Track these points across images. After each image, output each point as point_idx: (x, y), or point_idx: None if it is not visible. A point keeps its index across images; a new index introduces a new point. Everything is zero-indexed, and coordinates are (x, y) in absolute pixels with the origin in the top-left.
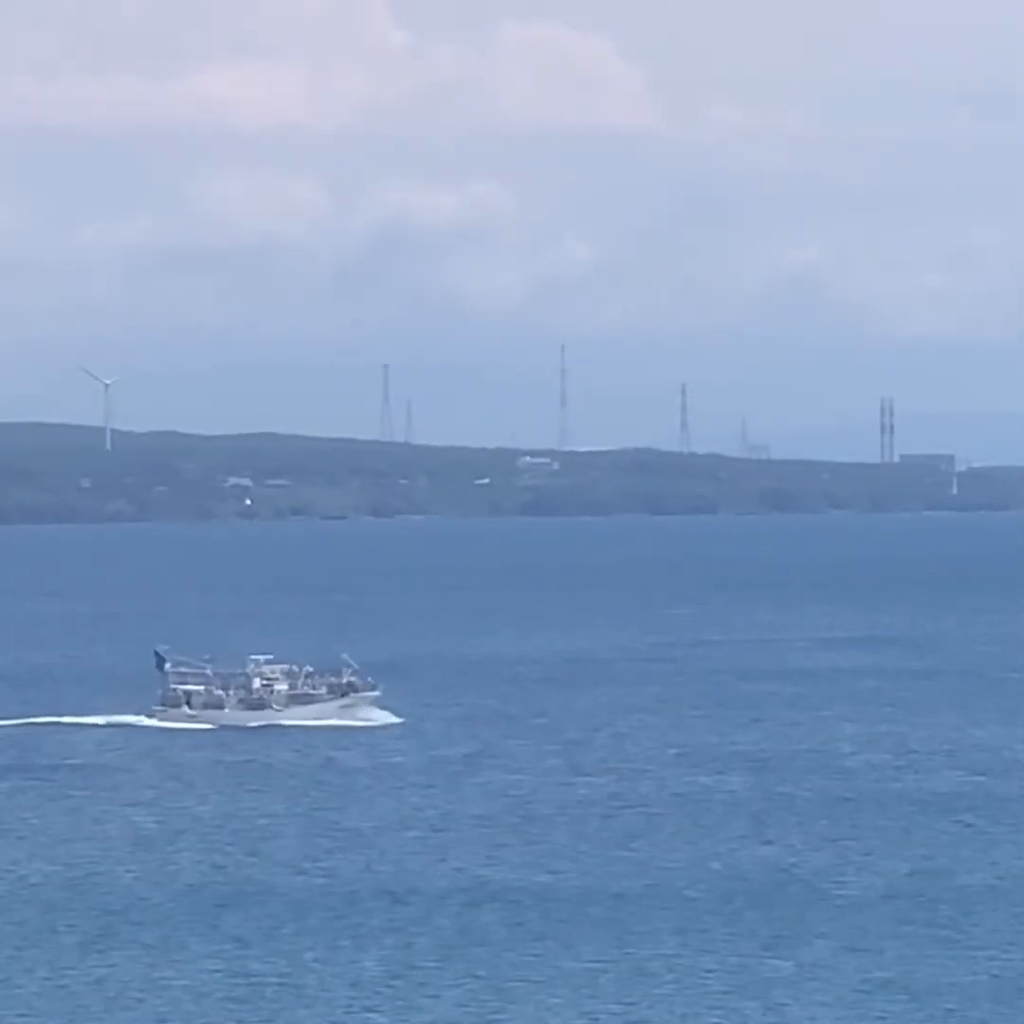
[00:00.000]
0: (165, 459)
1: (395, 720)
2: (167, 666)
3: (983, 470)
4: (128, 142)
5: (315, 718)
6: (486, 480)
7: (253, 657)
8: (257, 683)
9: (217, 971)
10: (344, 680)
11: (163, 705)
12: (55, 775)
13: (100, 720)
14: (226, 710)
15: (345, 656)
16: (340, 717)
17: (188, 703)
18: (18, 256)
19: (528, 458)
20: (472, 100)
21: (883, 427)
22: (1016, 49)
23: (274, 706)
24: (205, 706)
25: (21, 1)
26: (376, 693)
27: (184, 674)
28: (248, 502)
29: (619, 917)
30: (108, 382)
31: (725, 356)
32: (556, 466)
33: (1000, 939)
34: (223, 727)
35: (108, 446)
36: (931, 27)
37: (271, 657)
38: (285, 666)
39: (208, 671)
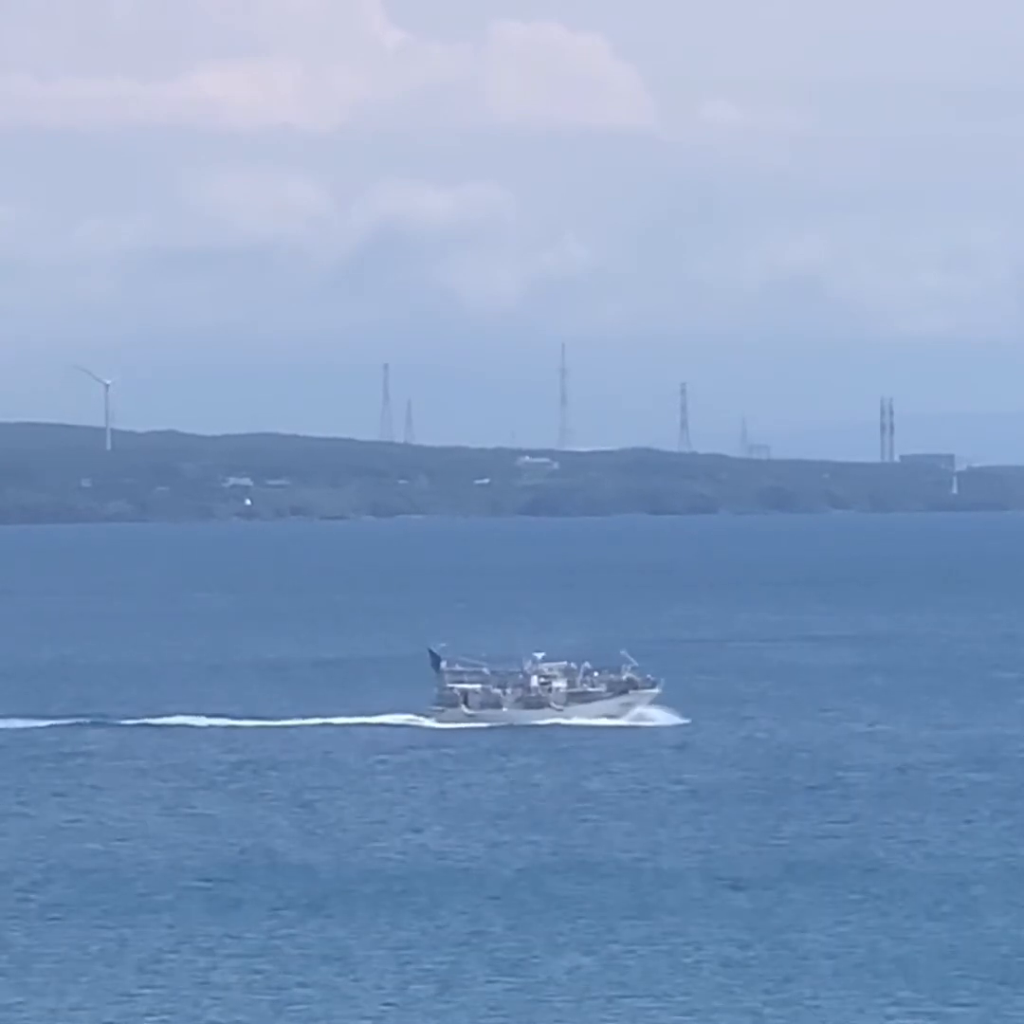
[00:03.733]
0: (165, 459)
1: (679, 720)
2: (443, 665)
3: (983, 470)
4: (125, 142)
5: (595, 717)
6: (486, 480)
7: (531, 655)
8: (535, 681)
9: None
10: (624, 677)
11: (440, 705)
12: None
13: (376, 720)
14: (504, 709)
15: (624, 653)
16: (620, 716)
17: (465, 702)
18: (17, 256)
19: (528, 458)
20: (468, 100)
21: (883, 427)
22: (1015, 49)
23: (553, 705)
24: (482, 705)
25: (18, 1)
26: (657, 690)
27: (460, 673)
28: (248, 502)
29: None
30: (108, 382)
31: (725, 356)
32: (556, 466)
33: None
34: (502, 727)
35: (108, 446)
36: (929, 27)
37: (547, 655)
38: (563, 664)
39: (485, 670)
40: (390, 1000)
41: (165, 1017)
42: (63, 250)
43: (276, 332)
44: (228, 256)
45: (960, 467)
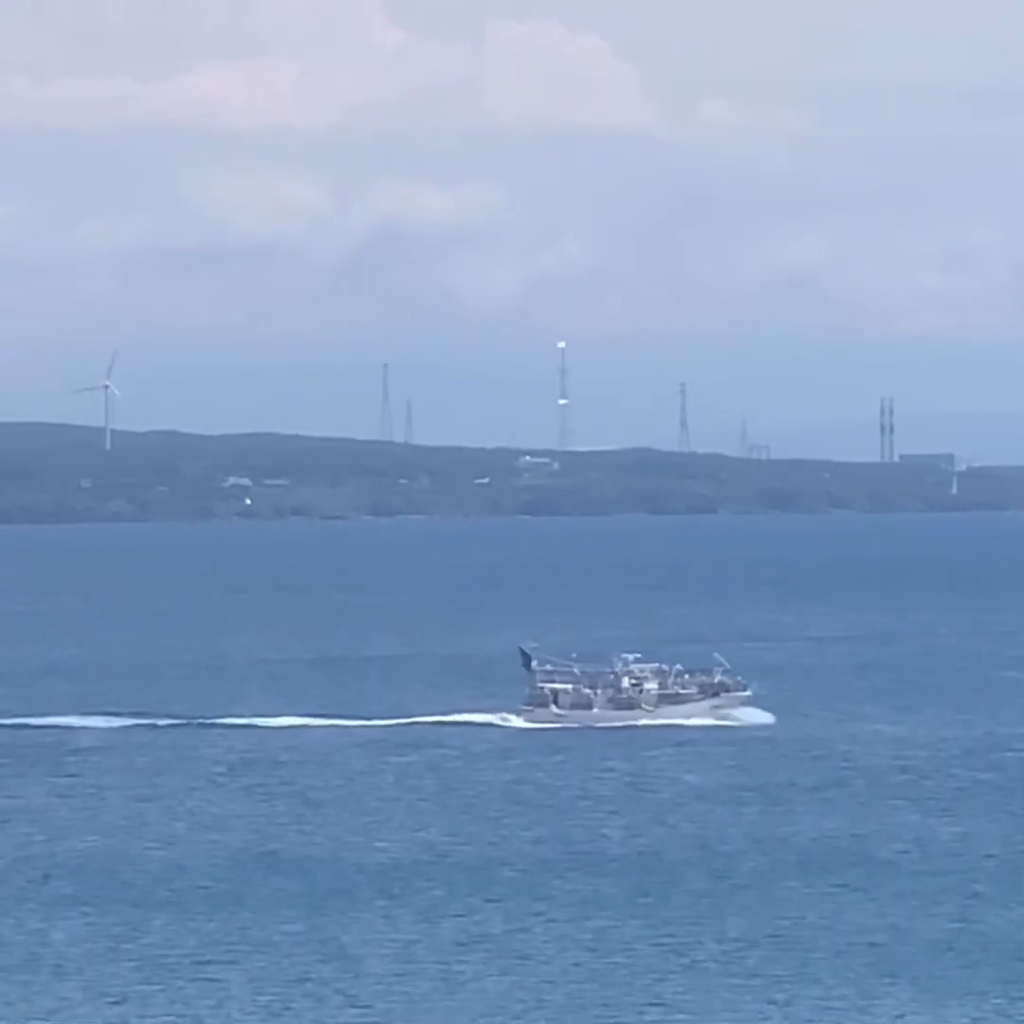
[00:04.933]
0: (165, 459)
1: (769, 720)
2: (534, 664)
3: (983, 470)
4: (125, 142)
5: (686, 718)
6: (486, 480)
7: (621, 656)
8: (626, 682)
9: None
10: (715, 679)
11: (530, 704)
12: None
13: (466, 719)
14: (595, 710)
15: (716, 655)
16: (711, 717)
17: (556, 702)
18: (17, 256)
19: (528, 458)
20: (467, 100)
21: (883, 427)
22: (1015, 49)
23: (644, 706)
24: (573, 706)
25: (15, 2)
26: (748, 692)
27: (551, 673)
28: (248, 502)
29: None
30: (108, 383)
31: (725, 356)
32: (556, 466)
33: None
34: (592, 727)
35: (108, 446)
36: (928, 27)
37: (639, 656)
38: (655, 665)
39: (575, 670)
40: (392, 997)
41: (165, 1015)
42: (63, 250)
43: (276, 332)
44: (228, 256)
45: (960, 467)
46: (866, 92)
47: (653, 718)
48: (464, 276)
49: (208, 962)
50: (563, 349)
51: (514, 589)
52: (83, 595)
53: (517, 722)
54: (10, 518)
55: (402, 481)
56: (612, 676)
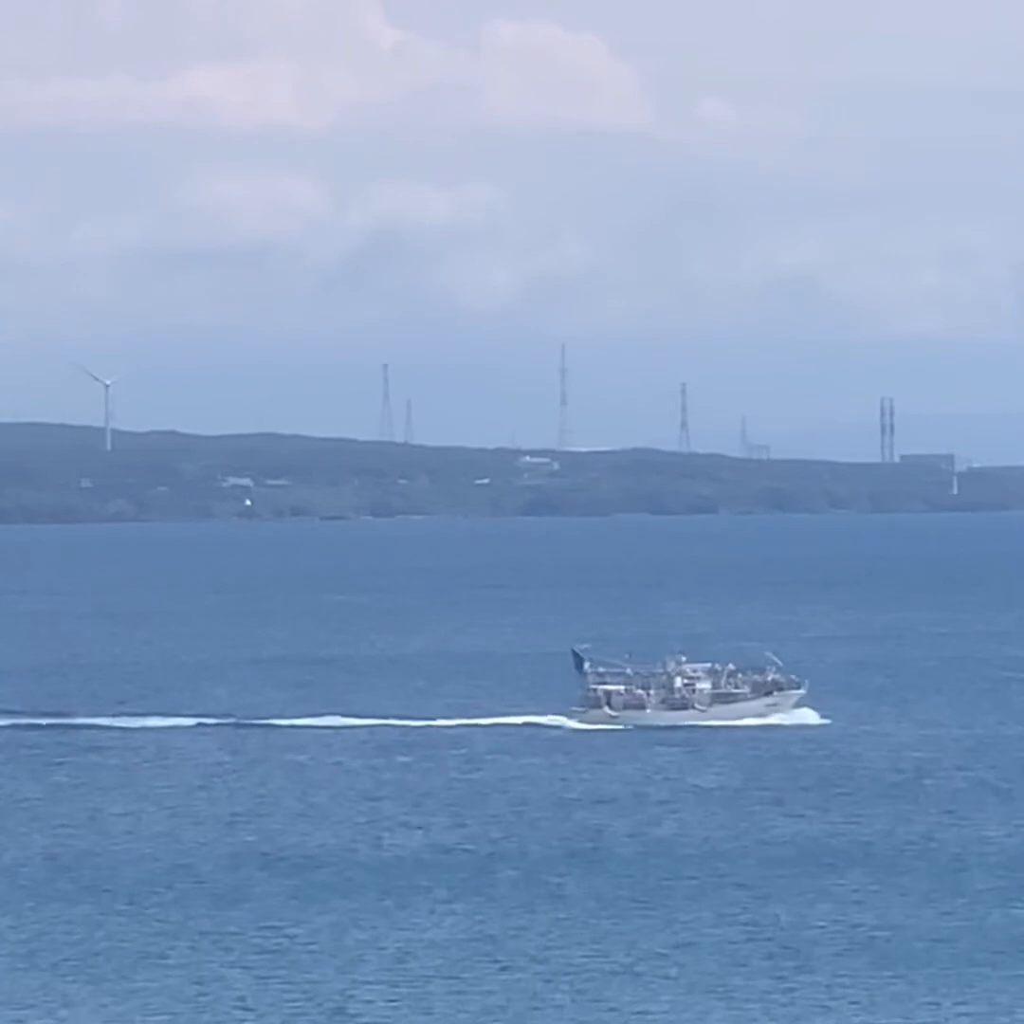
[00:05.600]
0: (165, 459)
1: (823, 720)
2: (586, 666)
3: (983, 470)
4: (122, 143)
5: (739, 718)
6: (486, 480)
7: (673, 655)
8: (679, 682)
9: None
10: (769, 678)
11: (582, 705)
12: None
13: (518, 720)
14: (647, 710)
15: (769, 654)
16: (765, 716)
17: (608, 703)
18: (15, 257)
19: (528, 458)
20: (465, 100)
21: (883, 427)
22: (1015, 49)
23: (697, 706)
24: (626, 706)
25: (11, 3)
26: (802, 691)
27: (603, 674)
28: (248, 502)
29: None
30: (108, 382)
31: (724, 356)
32: (556, 466)
33: None
34: (644, 728)
35: (108, 446)
36: (928, 27)
37: (689, 656)
38: (707, 665)
39: (628, 671)
40: (395, 995)
41: (165, 1014)
42: (61, 251)
43: (276, 332)
44: (226, 256)
45: (960, 467)
46: (865, 92)
47: (706, 718)
48: (463, 276)
49: (209, 961)
50: (563, 349)
51: (517, 590)
52: (83, 595)
53: (570, 724)
54: (10, 518)
55: (402, 481)
56: (664, 676)
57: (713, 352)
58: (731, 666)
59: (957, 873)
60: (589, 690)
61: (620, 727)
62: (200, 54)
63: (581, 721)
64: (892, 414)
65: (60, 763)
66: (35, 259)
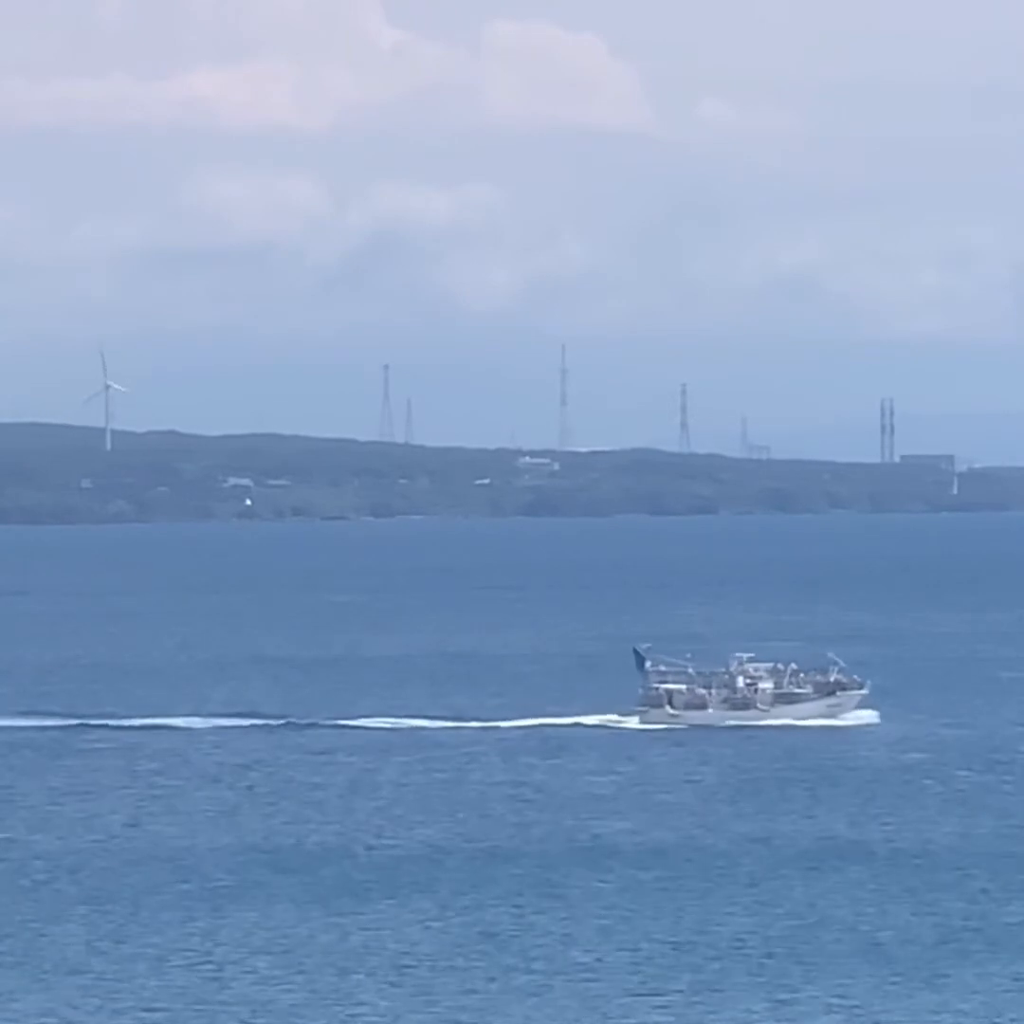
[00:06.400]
0: (165, 459)
1: (883, 721)
2: (647, 665)
3: (983, 470)
4: (123, 143)
5: (801, 718)
6: (486, 480)
7: (735, 655)
8: (741, 682)
9: None
10: (831, 678)
11: (644, 705)
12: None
13: (581, 720)
14: (709, 710)
15: (831, 654)
16: (827, 717)
17: (670, 703)
18: (16, 257)
19: (528, 458)
20: (465, 100)
21: (883, 427)
22: (1015, 49)
23: (759, 706)
24: (687, 706)
25: (10, 3)
26: (864, 691)
27: (665, 673)
28: (248, 502)
29: None
30: (108, 383)
31: (725, 356)
32: (556, 466)
33: None
34: (706, 727)
35: (108, 446)
36: (928, 27)
37: (754, 655)
38: (769, 664)
39: (690, 670)
40: (398, 993)
41: (166, 1012)
42: (61, 251)
43: (276, 332)
44: (227, 256)
45: (960, 467)
46: (865, 92)
47: (768, 718)
48: (463, 276)
49: (210, 961)
50: (563, 349)
51: (518, 590)
52: (83, 596)
53: (631, 723)
54: (10, 518)
55: (402, 481)
56: (726, 676)
57: (713, 352)
58: (793, 666)
59: (958, 873)
60: (651, 689)
61: (681, 726)
62: (200, 54)
63: (643, 721)
64: (892, 414)
65: (60, 763)
66: (35, 259)
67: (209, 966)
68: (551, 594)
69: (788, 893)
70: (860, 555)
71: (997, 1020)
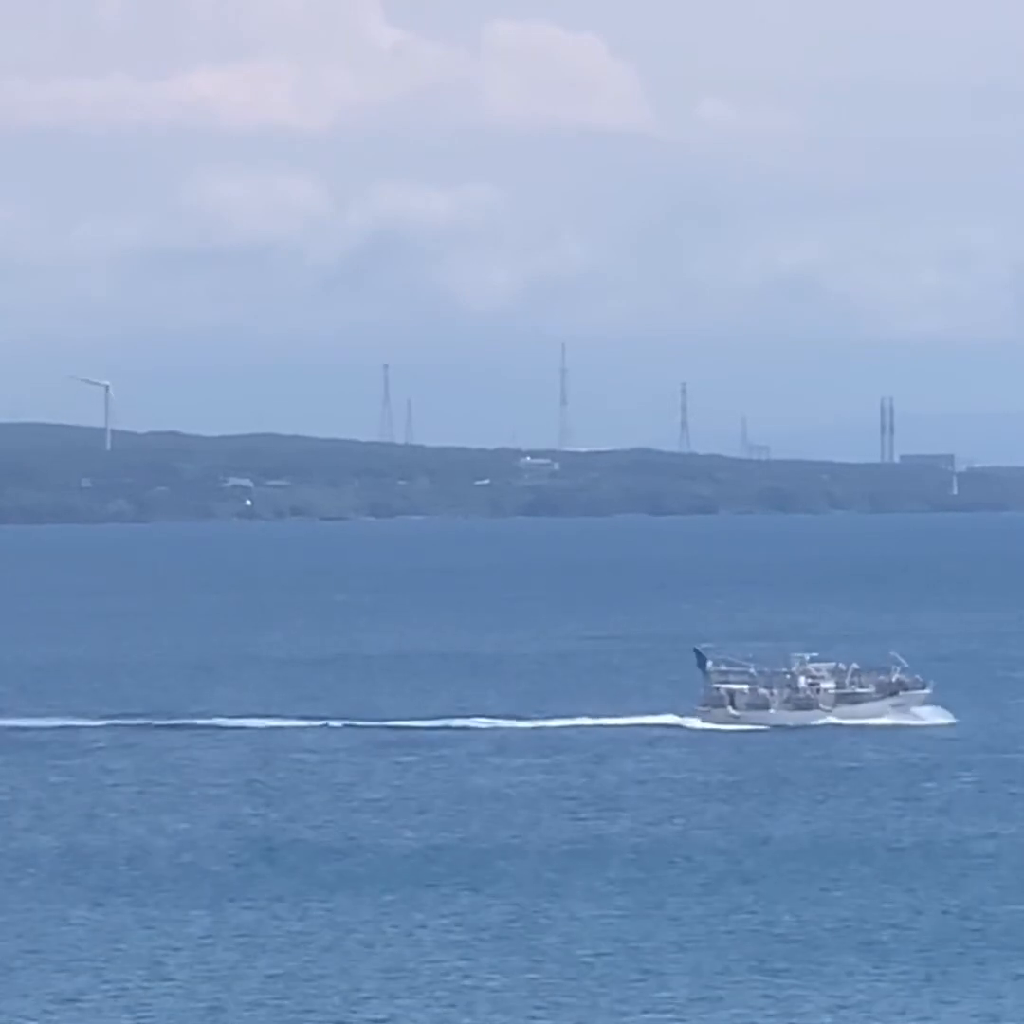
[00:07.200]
0: (165, 459)
1: (950, 719)
2: (709, 665)
3: (983, 470)
4: (123, 143)
5: (864, 718)
6: (486, 480)
7: (797, 655)
8: (803, 682)
9: None
10: (893, 678)
11: (706, 705)
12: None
13: (641, 721)
14: (771, 710)
15: (894, 654)
16: (890, 716)
17: (732, 703)
18: (15, 257)
19: (528, 458)
20: (465, 100)
21: (883, 427)
22: (1015, 49)
23: (822, 706)
24: (749, 706)
25: (10, 3)
26: (927, 691)
27: (726, 673)
28: (248, 502)
29: None
30: (107, 384)
31: (724, 356)
32: (556, 466)
33: None
34: (768, 727)
35: (108, 446)
36: (928, 27)
37: (816, 655)
38: (831, 664)
39: (752, 670)
40: (403, 990)
41: (166, 1011)
42: (61, 251)
43: (276, 332)
44: (226, 256)
45: (960, 467)
46: (865, 92)
47: (831, 718)
48: (463, 276)
49: (211, 960)
50: (563, 349)
51: (518, 590)
52: (83, 596)
53: (693, 723)
54: (10, 518)
55: (402, 482)
56: (788, 676)
57: (713, 352)
58: (855, 666)
59: (958, 872)
60: (713, 689)
61: (744, 727)
62: (200, 54)
63: (705, 721)
64: (892, 414)
65: (60, 763)
66: (35, 259)
67: (209, 965)
68: (549, 595)
69: (791, 891)
70: (860, 555)
71: (997, 1020)
